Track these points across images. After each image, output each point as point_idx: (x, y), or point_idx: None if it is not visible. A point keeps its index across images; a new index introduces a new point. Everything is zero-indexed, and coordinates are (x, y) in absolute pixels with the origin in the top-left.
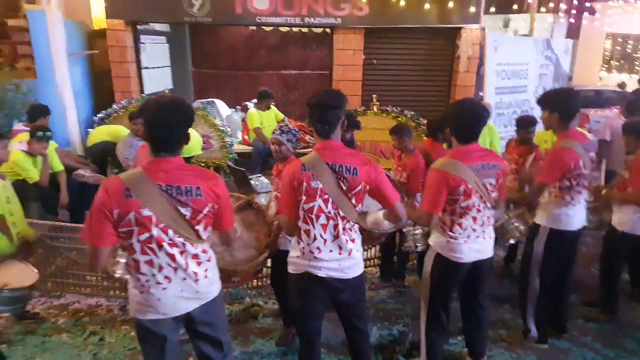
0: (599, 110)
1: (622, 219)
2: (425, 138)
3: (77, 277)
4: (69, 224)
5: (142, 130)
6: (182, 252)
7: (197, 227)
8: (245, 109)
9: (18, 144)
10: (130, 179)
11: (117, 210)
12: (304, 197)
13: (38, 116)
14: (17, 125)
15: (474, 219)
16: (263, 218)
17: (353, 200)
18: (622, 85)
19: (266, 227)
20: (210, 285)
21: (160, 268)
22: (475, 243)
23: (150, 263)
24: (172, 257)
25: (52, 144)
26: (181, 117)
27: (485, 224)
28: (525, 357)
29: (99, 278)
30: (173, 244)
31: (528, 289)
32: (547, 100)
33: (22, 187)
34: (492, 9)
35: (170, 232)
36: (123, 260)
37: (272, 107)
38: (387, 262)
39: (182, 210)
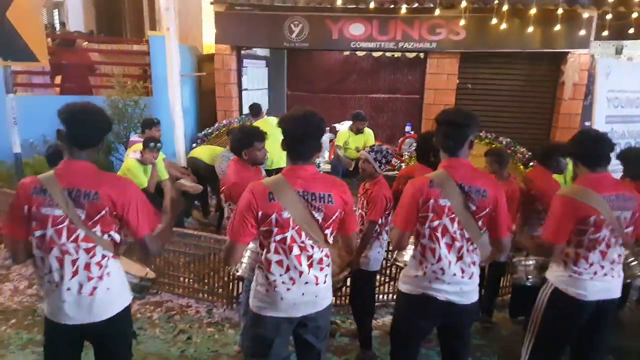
0: None
1: None
2: (522, 167)
3: (172, 277)
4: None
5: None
6: (309, 257)
7: (326, 232)
8: (333, 131)
9: (133, 153)
10: (273, 184)
11: (261, 211)
12: (430, 214)
13: (147, 127)
14: (133, 137)
15: (603, 254)
16: None
17: (479, 223)
18: None
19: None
20: (328, 291)
21: (288, 269)
22: (602, 281)
23: (280, 263)
24: (299, 259)
25: (161, 155)
26: (316, 129)
27: (616, 261)
28: None
29: (191, 281)
30: (303, 247)
31: None
32: None
33: None
34: (605, 33)
35: (303, 234)
36: (245, 261)
37: (367, 132)
38: None
39: (316, 214)
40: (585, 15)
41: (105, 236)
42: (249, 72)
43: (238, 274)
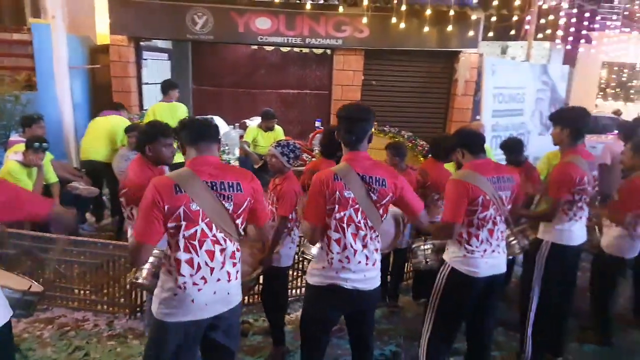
0: (594, 137)
1: (610, 241)
2: (422, 159)
3: (65, 290)
4: (59, 236)
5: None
6: (222, 250)
7: (237, 222)
8: (243, 126)
9: (13, 155)
10: (178, 176)
11: (168, 205)
12: (336, 206)
13: (27, 125)
14: (14, 136)
15: (490, 232)
16: None
17: (380, 211)
18: (617, 112)
19: (260, 243)
20: (239, 287)
21: (199, 268)
22: (491, 258)
23: (190, 262)
24: (211, 255)
25: (48, 156)
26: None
27: (500, 238)
28: None
29: (87, 292)
30: (215, 241)
31: (529, 306)
32: (561, 116)
33: None
34: (490, 35)
35: (214, 227)
36: (147, 267)
37: (278, 130)
38: (381, 282)
39: (226, 204)
40: (474, 17)
41: None
42: (150, 65)
43: (138, 281)
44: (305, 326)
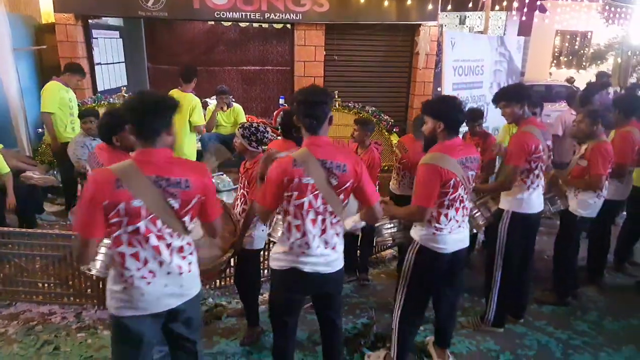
0: (549, 104)
1: (582, 204)
2: (386, 134)
3: (28, 284)
4: (17, 229)
5: (93, 128)
6: (168, 245)
7: (184, 219)
8: (204, 105)
9: None
10: (120, 170)
11: (107, 200)
12: (295, 193)
13: None
14: None
15: (457, 210)
16: (229, 216)
17: (341, 196)
18: (570, 80)
19: (232, 226)
20: (194, 279)
21: (146, 262)
22: (457, 233)
23: (135, 256)
24: (157, 249)
25: None
26: (154, 104)
27: (465, 214)
28: (484, 343)
29: (52, 285)
30: (160, 236)
31: (494, 273)
32: (508, 96)
33: None
34: (449, 7)
35: (159, 223)
36: (100, 259)
37: (237, 108)
38: (351, 256)
39: (171, 201)
40: None
41: None
42: (100, 44)
43: (91, 273)
44: (271, 310)
